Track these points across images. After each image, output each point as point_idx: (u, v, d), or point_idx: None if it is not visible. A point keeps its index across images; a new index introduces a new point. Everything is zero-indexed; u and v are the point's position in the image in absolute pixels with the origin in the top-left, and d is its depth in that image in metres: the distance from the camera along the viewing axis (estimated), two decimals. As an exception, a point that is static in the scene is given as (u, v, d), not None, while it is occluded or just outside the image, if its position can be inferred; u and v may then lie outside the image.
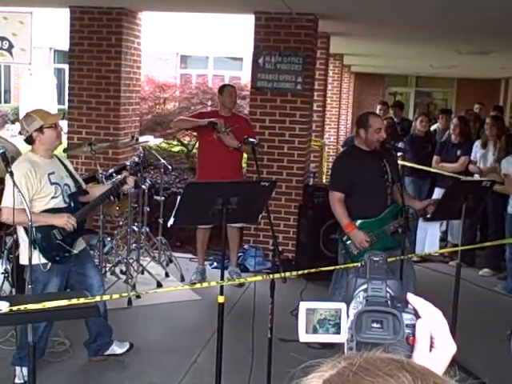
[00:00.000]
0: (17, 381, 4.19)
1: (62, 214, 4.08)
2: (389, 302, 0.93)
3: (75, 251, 4.23)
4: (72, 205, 4.22)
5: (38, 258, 4.04)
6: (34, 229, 3.92)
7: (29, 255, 3.88)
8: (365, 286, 1.01)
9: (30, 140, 4.17)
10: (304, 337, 0.97)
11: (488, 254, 7.35)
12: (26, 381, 4.06)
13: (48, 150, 4.20)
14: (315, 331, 0.96)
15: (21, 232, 4.11)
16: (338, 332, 0.96)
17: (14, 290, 5.02)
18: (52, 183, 4.12)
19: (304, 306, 0.96)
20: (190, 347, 4.91)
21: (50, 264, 4.09)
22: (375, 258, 1.03)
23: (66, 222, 4.05)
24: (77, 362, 4.59)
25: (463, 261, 5.07)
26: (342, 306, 0.96)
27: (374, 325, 0.88)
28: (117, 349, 4.63)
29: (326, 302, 0.99)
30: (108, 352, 4.60)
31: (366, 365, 0.73)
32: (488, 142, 7.36)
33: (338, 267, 4.68)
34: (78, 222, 4.15)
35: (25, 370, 4.09)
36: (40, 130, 4.11)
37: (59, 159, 4.36)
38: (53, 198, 4.12)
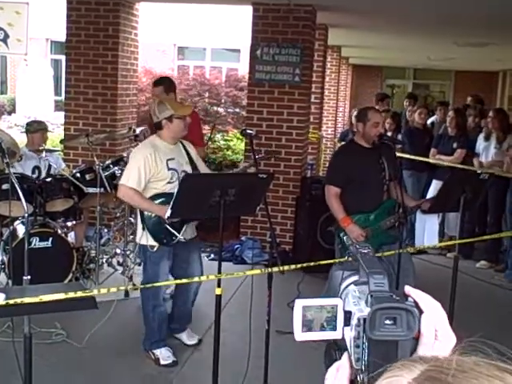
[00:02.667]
0: (162, 362, 4.45)
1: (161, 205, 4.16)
2: (394, 297, 0.91)
3: (182, 237, 4.33)
4: None
5: (146, 239, 4.31)
6: (146, 212, 4.26)
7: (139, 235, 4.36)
8: (354, 278, 0.99)
9: (159, 125, 4.36)
10: (300, 335, 0.93)
11: (486, 246, 7.35)
12: (174, 360, 4.48)
13: (174, 138, 4.38)
14: (312, 330, 0.93)
15: (138, 213, 4.42)
16: (334, 329, 0.94)
17: (10, 282, 5.01)
18: (169, 169, 4.29)
19: (300, 303, 0.93)
20: (187, 339, 4.91)
21: (157, 246, 4.29)
22: (363, 251, 1.01)
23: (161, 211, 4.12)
24: (74, 353, 4.58)
25: (460, 253, 5.07)
26: (338, 301, 0.94)
27: (387, 322, 0.86)
28: (185, 338, 4.78)
29: (322, 298, 0.97)
30: (178, 336, 4.78)
31: (461, 367, 0.70)
32: (491, 135, 7.33)
33: (336, 260, 4.67)
34: None
35: (164, 350, 4.49)
36: (169, 118, 4.29)
37: (184, 146, 4.49)
38: (169, 182, 4.28)
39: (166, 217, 3.94)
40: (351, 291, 0.96)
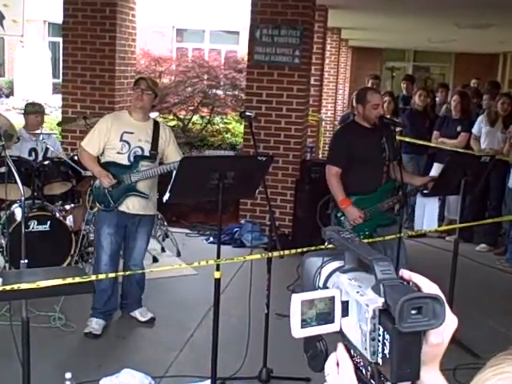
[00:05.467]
0: (85, 330, 4.58)
1: (106, 172, 4.44)
2: (405, 284, 0.88)
3: (124, 209, 4.52)
4: (133, 166, 4.49)
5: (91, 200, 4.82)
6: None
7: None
8: (336, 264, 0.95)
9: None
10: (299, 332, 0.89)
11: (486, 229, 7.33)
12: (95, 334, 4.56)
13: (135, 112, 4.54)
14: (311, 325, 0.89)
15: None
16: (332, 321, 0.90)
17: (7, 266, 4.98)
18: (121, 140, 4.48)
19: (298, 298, 0.88)
20: (186, 322, 4.90)
21: (96, 208, 4.66)
22: (346, 236, 0.97)
23: (102, 177, 4.42)
24: (73, 336, 4.57)
25: (460, 236, 5.05)
26: (336, 292, 0.90)
27: (413, 312, 0.82)
28: (138, 315, 4.84)
29: (318, 290, 0.93)
30: (132, 314, 4.86)
31: None
32: (497, 120, 7.20)
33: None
34: (128, 183, 4.47)
35: (95, 320, 4.61)
36: (132, 89, 4.64)
37: (157, 127, 4.60)
38: (118, 153, 4.48)
39: (164, 200, 3.91)
40: (345, 280, 0.91)
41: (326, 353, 0.95)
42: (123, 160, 4.49)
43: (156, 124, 4.62)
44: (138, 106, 4.51)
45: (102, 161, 4.56)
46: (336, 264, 0.97)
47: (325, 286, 0.95)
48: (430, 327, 0.83)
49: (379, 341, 0.83)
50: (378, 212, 4.65)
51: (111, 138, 4.48)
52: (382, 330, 0.83)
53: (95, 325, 4.60)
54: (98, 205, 4.62)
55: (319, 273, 0.97)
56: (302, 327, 0.88)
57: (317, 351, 0.96)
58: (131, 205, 4.56)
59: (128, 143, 4.49)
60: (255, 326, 4.09)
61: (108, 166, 4.51)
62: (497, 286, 6.15)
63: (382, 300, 0.83)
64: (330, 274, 0.95)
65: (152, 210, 4.72)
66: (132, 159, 4.49)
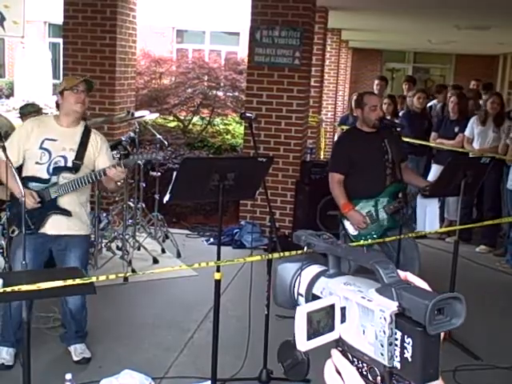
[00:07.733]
0: None
1: (29, 191, 3.84)
2: (410, 284, 0.87)
3: (45, 231, 3.98)
4: (51, 179, 3.95)
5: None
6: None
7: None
8: (318, 269, 0.94)
9: (56, 104, 4.11)
10: (305, 345, 0.86)
11: (485, 230, 7.33)
12: (5, 364, 4.01)
13: (68, 116, 4.02)
14: (316, 335, 0.88)
15: None
16: (332, 329, 0.89)
17: (7, 266, 4.98)
18: (41, 147, 3.94)
19: (303, 310, 0.85)
20: (186, 323, 4.90)
21: (16, 231, 3.93)
22: (329, 239, 0.96)
23: (26, 197, 3.62)
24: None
25: (460, 237, 5.05)
26: (336, 299, 0.89)
27: (435, 313, 0.82)
28: (72, 353, 4.25)
29: (319, 299, 0.92)
30: (68, 348, 4.31)
31: None
32: (488, 119, 7.24)
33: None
34: (47, 200, 3.94)
35: (6, 350, 4.06)
36: (61, 93, 4.02)
37: (88, 133, 4.08)
38: (37, 163, 3.94)
39: (164, 201, 3.91)
40: (339, 285, 0.90)
41: (308, 361, 0.94)
42: (42, 172, 3.93)
43: (87, 130, 4.12)
44: (79, 110, 4.02)
45: (23, 175, 3.92)
46: (315, 268, 0.95)
47: (309, 292, 0.94)
48: (453, 326, 0.83)
49: (396, 345, 0.82)
50: (385, 214, 4.65)
51: (30, 145, 3.93)
52: (400, 334, 0.82)
53: (6, 355, 4.05)
54: (15, 228, 3.94)
55: (299, 275, 0.95)
56: (307, 339, 0.85)
57: (297, 360, 0.93)
58: (53, 225, 3.98)
59: (49, 152, 3.94)
60: (255, 327, 4.09)
61: (28, 182, 3.90)
62: (497, 287, 6.15)
63: (396, 304, 0.83)
64: (313, 279, 0.94)
65: (82, 229, 4.09)
66: (51, 171, 3.94)
